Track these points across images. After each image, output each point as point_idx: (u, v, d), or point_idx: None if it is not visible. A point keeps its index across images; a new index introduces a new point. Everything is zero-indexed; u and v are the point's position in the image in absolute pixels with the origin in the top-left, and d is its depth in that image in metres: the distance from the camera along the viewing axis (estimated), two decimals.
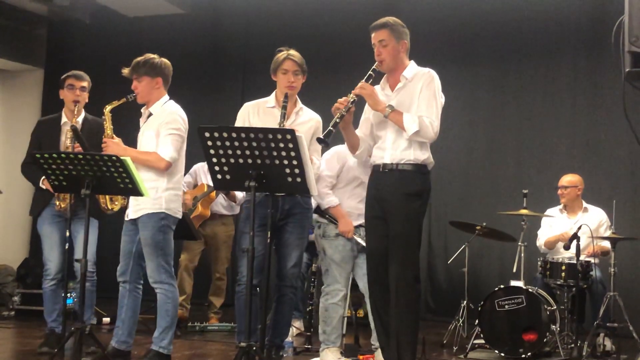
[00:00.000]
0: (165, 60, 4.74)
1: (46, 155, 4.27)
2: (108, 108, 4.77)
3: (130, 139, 4.82)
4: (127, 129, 5.03)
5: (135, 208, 4.57)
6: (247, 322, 3.89)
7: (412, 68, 4.27)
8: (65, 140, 5.12)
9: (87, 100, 5.31)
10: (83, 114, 5.29)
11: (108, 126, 4.77)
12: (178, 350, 5.12)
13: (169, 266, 4.55)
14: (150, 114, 4.65)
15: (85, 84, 5.28)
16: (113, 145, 4.60)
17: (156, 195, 4.50)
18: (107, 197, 5.05)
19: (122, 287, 4.70)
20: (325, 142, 4.12)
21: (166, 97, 4.72)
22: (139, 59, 4.70)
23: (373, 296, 4.30)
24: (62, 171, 4.28)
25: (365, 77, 4.19)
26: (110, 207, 5.06)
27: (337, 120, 4.08)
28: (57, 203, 5.02)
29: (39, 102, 9.48)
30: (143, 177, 4.48)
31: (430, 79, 4.19)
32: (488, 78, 7.98)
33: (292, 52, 4.60)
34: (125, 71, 4.70)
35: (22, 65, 9.26)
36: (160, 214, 4.51)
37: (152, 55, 4.72)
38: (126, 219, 4.68)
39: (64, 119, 5.27)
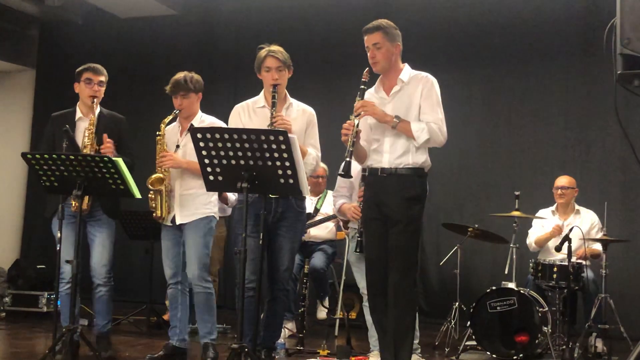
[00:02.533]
0: (198, 75, 4.94)
1: (37, 156, 4.25)
2: (164, 125, 4.81)
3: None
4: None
5: (186, 213, 4.74)
6: (239, 322, 3.88)
7: (407, 71, 4.26)
8: (84, 139, 4.85)
9: (102, 96, 5.05)
10: (98, 108, 5.00)
11: (163, 141, 4.80)
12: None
13: (208, 266, 4.82)
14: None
15: (103, 78, 5.02)
16: (174, 158, 4.74)
17: (208, 200, 4.79)
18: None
19: (174, 289, 4.87)
20: (349, 175, 4.15)
21: (199, 110, 4.95)
22: (183, 76, 4.82)
23: (374, 305, 4.28)
24: (53, 172, 4.26)
25: (359, 94, 4.15)
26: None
27: (351, 149, 4.07)
28: (73, 203, 4.64)
29: (31, 103, 9.46)
30: (194, 185, 4.69)
31: (431, 84, 4.19)
32: (481, 80, 7.99)
33: (274, 47, 4.49)
34: (169, 89, 4.83)
35: (14, 66, 9.22)
36: (211, 217, 4.81)
37: (190, 73, 4.87)
38: (168, 224, 4.79)
39: (78, 114, 4.99)
